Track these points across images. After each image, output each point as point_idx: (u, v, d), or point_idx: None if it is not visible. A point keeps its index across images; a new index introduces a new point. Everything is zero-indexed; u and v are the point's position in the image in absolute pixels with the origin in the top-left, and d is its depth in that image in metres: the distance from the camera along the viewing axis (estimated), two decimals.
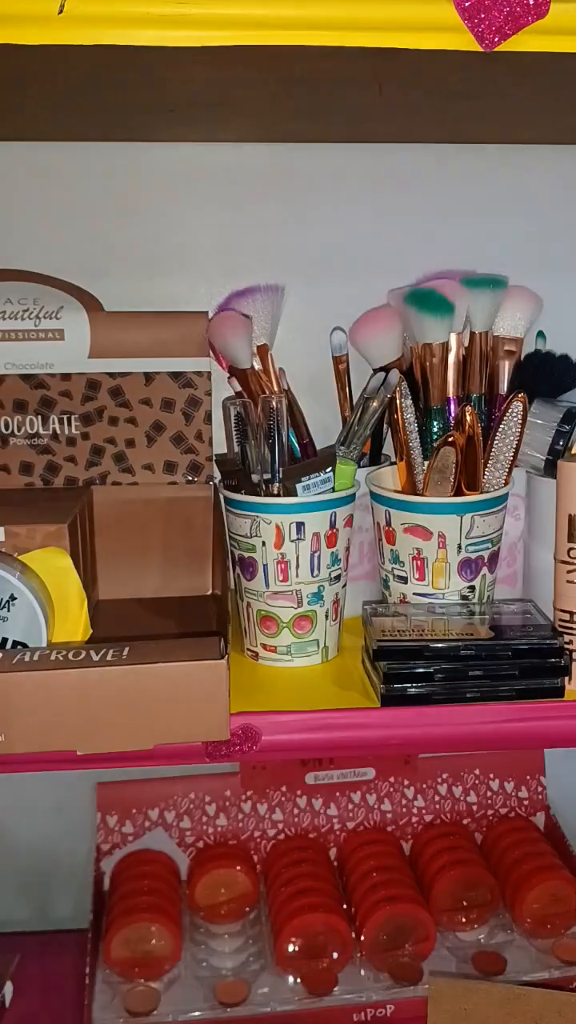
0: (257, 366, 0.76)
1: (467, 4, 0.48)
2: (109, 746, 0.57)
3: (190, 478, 0.82)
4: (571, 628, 0.65)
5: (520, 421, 0.70)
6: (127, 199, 0.84)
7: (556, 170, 0.87)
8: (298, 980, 0.82)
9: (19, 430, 0.80)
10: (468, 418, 0.68)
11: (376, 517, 0.72)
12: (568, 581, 0.65)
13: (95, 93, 0.62)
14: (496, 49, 0.49)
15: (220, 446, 0.82)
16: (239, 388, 0.77)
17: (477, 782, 0.97)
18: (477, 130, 0.79)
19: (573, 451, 0.72)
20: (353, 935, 0.84)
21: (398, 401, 0.70)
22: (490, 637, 0.64)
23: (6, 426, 0.79)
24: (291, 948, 0.83)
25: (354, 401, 0.78)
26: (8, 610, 0.61)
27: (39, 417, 0.79)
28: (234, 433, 0.73)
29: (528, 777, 0.98)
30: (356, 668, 0.70)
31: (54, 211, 0.83)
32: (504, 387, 0.77)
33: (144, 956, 0.83)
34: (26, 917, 0.98)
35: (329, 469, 0.70)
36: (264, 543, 0.68)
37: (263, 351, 0.77)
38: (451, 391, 0.75)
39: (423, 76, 0.57)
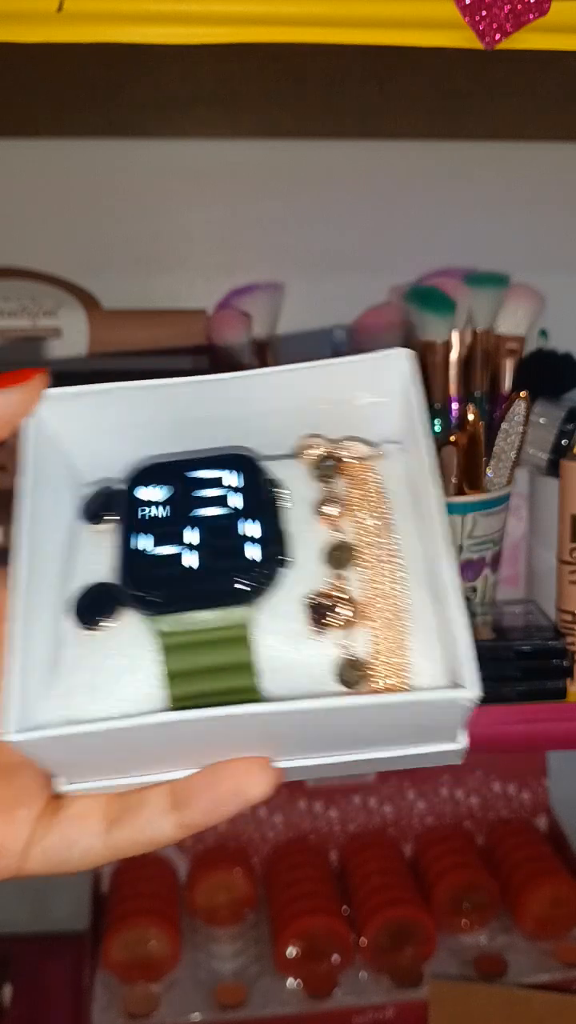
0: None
1: (468, 2, 0.48)
2: None
3: None
4: (574, 629, 0.65)
5: (523, 420, 0.69)
6: (126, 196, 0.83)
7: (559, 167, 0.86)
8: (298, 983, 0.82)
9: None
10: (471, 417, 0.68)
11: None
12: (571, 582, 0.65)
13: (94, 90, 0.62)
14: (497, 47, 0.49)
15: None
16: None
17: (479, 784, 0.96)
18: (479, 127, 0.78)
19: None
20: (354, 938, 0.84)
21: None
22: (492, 638, 0.63)
23: None
24: (291, 951, 0.82)
25: None
26: None
27: None
28: None
29: (531, 779, 0.97)
30: None
31: (52, 208, 0.83)
32: (506, 386, 0.77)
33: (143, 959, 0.82)
34: (25, 919, 0.98)
35: None
36: None
37: (263, 349, 0.76)
38: (453, 390, 0.75)
39: (424, 73, 0.57)
